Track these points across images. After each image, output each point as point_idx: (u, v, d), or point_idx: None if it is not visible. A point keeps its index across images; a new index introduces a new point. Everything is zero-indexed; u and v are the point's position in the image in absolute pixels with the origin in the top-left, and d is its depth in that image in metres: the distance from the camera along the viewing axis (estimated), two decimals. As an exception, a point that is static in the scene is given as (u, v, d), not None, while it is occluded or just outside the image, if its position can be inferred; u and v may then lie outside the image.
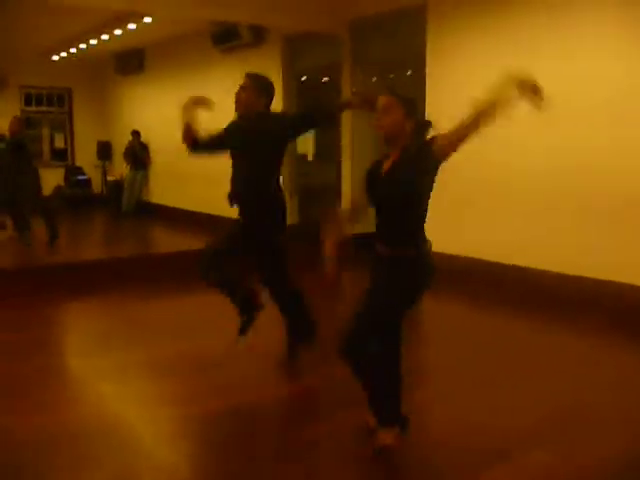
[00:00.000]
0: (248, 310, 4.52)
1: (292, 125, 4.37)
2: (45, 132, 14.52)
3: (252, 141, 4.26)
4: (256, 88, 4.28)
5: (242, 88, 4.28)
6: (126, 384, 4.37)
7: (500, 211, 6.74)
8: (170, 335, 5.43)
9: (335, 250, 3.10)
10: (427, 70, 7.37)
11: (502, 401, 3.96)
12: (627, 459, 3.25)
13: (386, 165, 3.04)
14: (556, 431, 3.51)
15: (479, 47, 6.90)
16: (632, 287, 5.64)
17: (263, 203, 4.33)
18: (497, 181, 6.77)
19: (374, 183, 3.08)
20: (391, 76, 9.13)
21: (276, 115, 4.50)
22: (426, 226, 3.09)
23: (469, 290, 6.69)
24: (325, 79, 11.09)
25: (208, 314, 5.91)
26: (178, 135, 4.49)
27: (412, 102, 3.02)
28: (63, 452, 3.35)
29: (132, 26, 9.49)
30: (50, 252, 8.59)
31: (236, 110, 4.35)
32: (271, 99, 4.36)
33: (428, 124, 3.06)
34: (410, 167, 2.92)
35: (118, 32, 9.98)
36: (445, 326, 5.73)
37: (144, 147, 12.68)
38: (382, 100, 3.00)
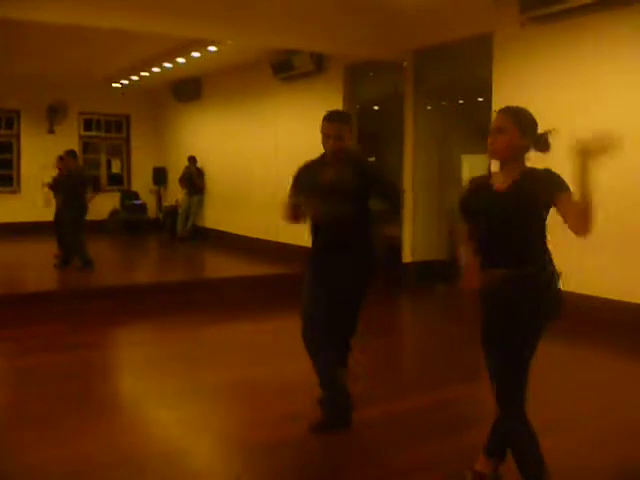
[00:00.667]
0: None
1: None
2: (102, 157, 14.85)
3: None
4: (345, 127, 3.75)
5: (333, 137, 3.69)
6: (186, 409, 4.21)
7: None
8: (230, 360, 5.34)
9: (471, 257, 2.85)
10: (493, 98, 7.29)
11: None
12: None
13: (500, 184, 2.79)
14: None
15: (545, 76, 6.82)
16: None
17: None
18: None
19: (484, 200, 2.82)
20: (443, 103, 9.08)
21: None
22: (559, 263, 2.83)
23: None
24: (376, 107, 11.15)
25: (268, 339, 5.84)
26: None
27: (527, 118, 2.78)
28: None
29: (196, 54, 9.64)
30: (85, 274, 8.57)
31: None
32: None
33: (545, 136, 2.77)
34: (536, 185, 2.69)
35: (181, 60, 10.16)
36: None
37: (200, 173, 12.84)
38: (496, 119, 2.77)
